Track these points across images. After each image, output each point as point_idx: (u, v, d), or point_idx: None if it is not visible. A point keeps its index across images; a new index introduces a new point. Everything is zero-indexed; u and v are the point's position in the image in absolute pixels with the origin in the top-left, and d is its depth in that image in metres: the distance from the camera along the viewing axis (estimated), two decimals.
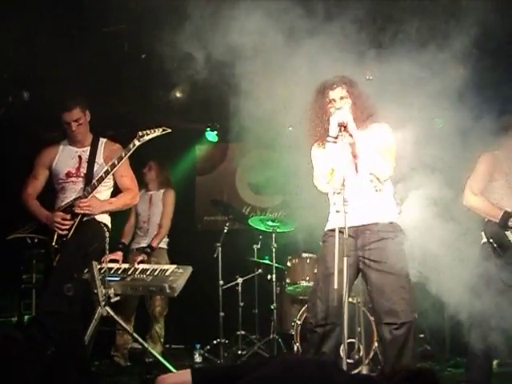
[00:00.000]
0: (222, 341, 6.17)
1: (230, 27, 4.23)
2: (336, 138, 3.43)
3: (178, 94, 6.78)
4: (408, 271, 3.54)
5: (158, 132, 4.50)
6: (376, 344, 5.18)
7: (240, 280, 6.40)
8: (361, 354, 5.13)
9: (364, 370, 5.11)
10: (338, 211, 3.23)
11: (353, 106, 3.59)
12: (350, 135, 3.49)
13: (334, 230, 3.53)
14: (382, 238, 3.53)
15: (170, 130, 4.52)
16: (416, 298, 5.63)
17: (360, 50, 4.22)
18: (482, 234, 4.13)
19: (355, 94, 3.62)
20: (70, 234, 4.28)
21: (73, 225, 4.31)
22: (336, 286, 3.16)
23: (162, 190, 6.12)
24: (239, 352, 6.15)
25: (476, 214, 4.17)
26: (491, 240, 4.05)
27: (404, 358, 3.45)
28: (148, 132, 4.48)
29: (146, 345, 4.98)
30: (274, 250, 6.22)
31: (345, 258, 3.16)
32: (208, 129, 7.47)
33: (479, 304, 4.05)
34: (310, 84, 3.89)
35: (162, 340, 6.00)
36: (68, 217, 4.30)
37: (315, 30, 4.22)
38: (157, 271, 5.02)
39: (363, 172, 3.57)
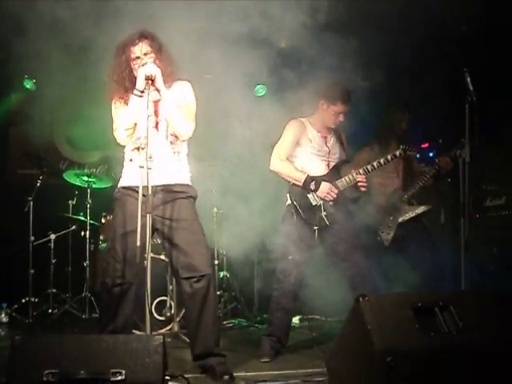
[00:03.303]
0: (32, 299, 5.93)
1: None
2: (142, 91, 3.39)
3: None
4: (202, 229, 3.65)
5: None
6: None
7: (53, 236, 6.16)
8: (172, 311, 5.21)
9: (176, 327, 5.21)
10: (141, 166, 3.21)
11: (157, 61, 3.55)
12: (157, 90, 3.47)
13: (129, 188, 3.58)
14: (176, 198, 3.60)
15: None
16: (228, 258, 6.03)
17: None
18: (287, 196, 4.36)
19: (158, 48, 3.58)
20: None
21: None
22: (138, 244, 3.15)
23: None
24: (50, 311, 5.97)
25: (282, 179, 4.38)
26: (294, 202, 4.28)
27: (207, 310, 3.54)
28: None
29: None
30: (88, 206, 6.10)
31: (148, 215, 3.16)
32: (26, 76, 7.01)
33: (281, 261, 4.32)
34: None
35: None
36: None
37: None
38: None
39: (163, 131, 3.58)
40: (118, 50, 3.60)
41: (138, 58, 3.54)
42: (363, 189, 4.35)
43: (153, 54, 3.56)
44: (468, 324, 2.89)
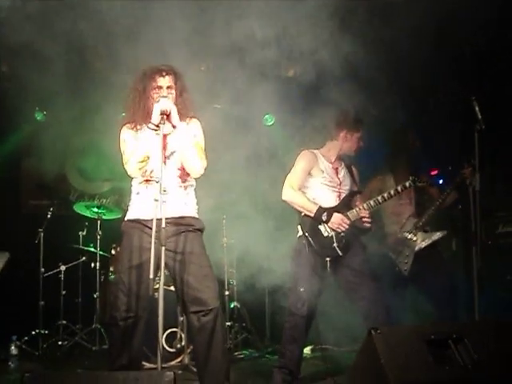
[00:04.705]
0: (42, 331, 5.93)
1: None
2: (157, 126, 3.41)
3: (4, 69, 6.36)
4: (209, 261, 3.63)
5: None
6: None
7: (63, 267, 6.17)
8: (183, 343, 5.17)
9: (186, 359, 5.16)
10: (156, 200, 3.22)
11: (177, 98, 3.61)
12: (173, 126, 3.50)
13: (136, 221, 3.59)
14: (184, 231, 3.58)
15: None
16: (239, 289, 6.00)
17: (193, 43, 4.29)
18: (298, 227, 4.34)
19: (181, 87, 3.64)
20: None
21: None
22: (151, 276, 3.15)
23: None
24: (60, 343, 5.95)
25: (293, 209, 4.37)
26: (306, 233, 4.26)
27: (214, 343, 3.50)
28: None
29: None
30: (98, 237, 6.12)
31: (162, 248, 3.16)
32: (37, 108, 7.09)
33: (293, 293, 4.28)
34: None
35: None
36: None
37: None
38: None
39: (172, 164, 3.59)
40: (142, 76, 3.65)
41: (160, 88, 3.59)
42: (367, 224, 4.35)
43: (174, 91, 3.61)
44: (483, 356, 2.85)
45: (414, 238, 4.92)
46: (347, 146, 4.47)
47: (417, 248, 4.90)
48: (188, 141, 3.58)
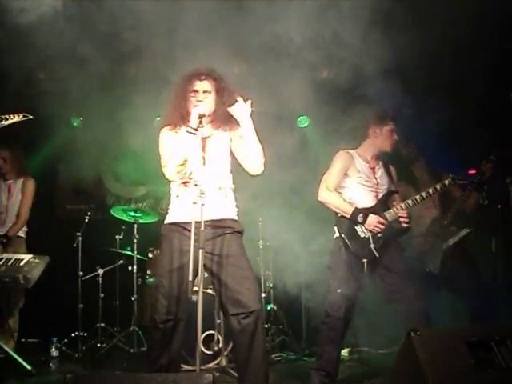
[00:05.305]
0: (81, 334, 6.03)
1: None
2: (196, 129, 3.43)
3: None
4: (249, 263, 3.61)
5: (17, 118, 4.21)
6: None
7: (101, 271, 6.26)
8: (220, 345, 5.18)
9: (224, 361, 5.17)
10: (194, 202, 3.23)
11: (216, 102, 3.60)
12: (237, 124, 3.53)
13: (176, 224, 3.59)
14: (223, 233, 3.57)
15: (31, 117, 4.20)
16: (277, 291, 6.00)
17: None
18: (335, 228, 4.32)
19: (221, 90, 3.61)
20: None
21: None
22: (190, 278, 3.16)
23: (21, 180, 5.82)
24: (98, 345, 6.02)
25: (329, 209, 4.35)
26: (342, 234, 4.24)
27: (255, 345, 3.47)
28: (7, 117, 4.17)
29: None
30: (135, 240, 6.16)
31: (200, 250, 3.17)
32: (73, 114, 7.21)
33: (330, 295, 4.26)
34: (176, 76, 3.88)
35: (16, 334, 5.70)
36: None
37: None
38: (11, 261, 4.81)
39: (210, 167, 3.57)
40: (184, 79, 3.65)
41: (196, 92, 3.58)
42: (405, 224, 4.30)
43: (212, 95, 3.60)
44: None
45: (441, 238, 4.89)
46: (380, 142, 4.42)
47: (444, 246, 4.87)
48: (253, 138, 3.56)
